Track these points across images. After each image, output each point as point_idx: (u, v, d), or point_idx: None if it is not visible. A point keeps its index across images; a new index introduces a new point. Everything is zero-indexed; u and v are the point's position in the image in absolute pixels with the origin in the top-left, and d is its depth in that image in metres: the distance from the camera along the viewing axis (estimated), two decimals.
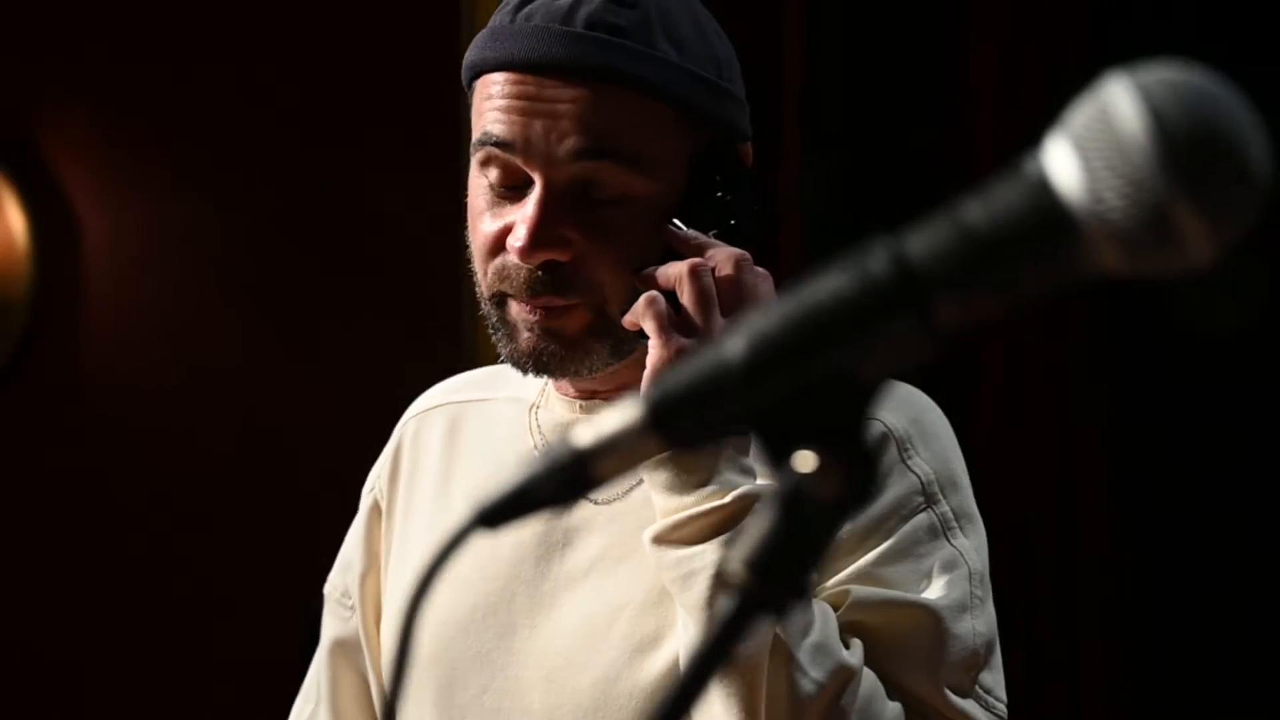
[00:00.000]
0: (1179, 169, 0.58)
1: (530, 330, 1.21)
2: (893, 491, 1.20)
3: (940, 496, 1.21)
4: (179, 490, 3.05)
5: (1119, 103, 0.59)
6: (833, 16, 3.11)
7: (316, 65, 3.14)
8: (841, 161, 3.08)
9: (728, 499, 1.13)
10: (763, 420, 0.66)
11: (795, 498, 0.65)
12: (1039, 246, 0.61)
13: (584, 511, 1.23)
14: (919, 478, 1.21)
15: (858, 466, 0.65)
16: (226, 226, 3.15)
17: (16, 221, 3.30)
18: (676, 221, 1.21)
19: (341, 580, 1.38)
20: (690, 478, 1.14)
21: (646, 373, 1.15)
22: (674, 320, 1.15)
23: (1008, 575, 2.11)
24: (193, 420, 3.06)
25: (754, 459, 1.16)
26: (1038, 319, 2.84)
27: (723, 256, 1.18)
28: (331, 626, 1.38)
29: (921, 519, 1.20)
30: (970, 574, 1.21)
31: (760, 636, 1.09)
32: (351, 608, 1.36)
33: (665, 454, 1.07)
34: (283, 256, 3.15)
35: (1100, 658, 2.87)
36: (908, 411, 1.24)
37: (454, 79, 1.31)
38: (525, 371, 1.23)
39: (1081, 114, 0.61)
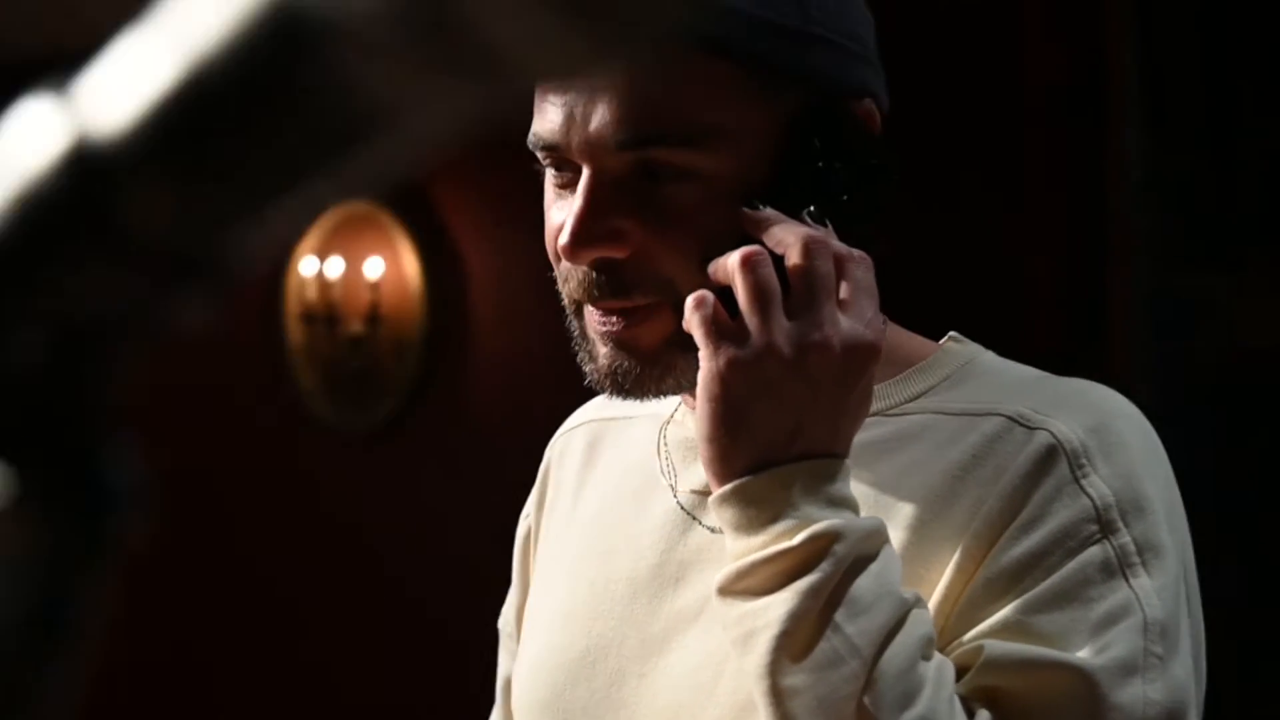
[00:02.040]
0: None
1: (606, 344, 1.01)
2: (1058, 519, 0.95)
3: (1120, 524, 0.95)
4: None
5: None
6: None
7: None
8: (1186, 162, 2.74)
9: (796, 540, 0.92)
10: None
11: None
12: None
13: (699, 540, 1.06)
14: (1093, 501, 0.95)
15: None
16: None
17: (411, 267, 3.53)
18: (759, 202, 0.99)
19: (507, 613, 1.27)
20: (760, 512, 0.93)
21: (698, 390, 0.95)
22: (727, 325, 0.94)
23: None
24: None
25: (845, 482, 0.95)
26: None
27: (791, 240, 0.95)
28: (504, 663, 1.26)
29: (1094, 553, 0.95)
30: (1146, 624, 0.94)
31: (841, 706, 0.90)
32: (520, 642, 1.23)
33: (731, 484, 0.93)
34: None
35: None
36: (1088, 417, 0.99)
37: None
38: (605, 393, 1.04)
39: None
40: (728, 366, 0.93)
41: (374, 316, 3.52)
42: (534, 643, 1.15)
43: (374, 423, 3.55)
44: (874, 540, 0.94)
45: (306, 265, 3.58)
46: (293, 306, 3.61)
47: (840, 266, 0.96)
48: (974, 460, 0.99)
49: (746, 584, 0.93)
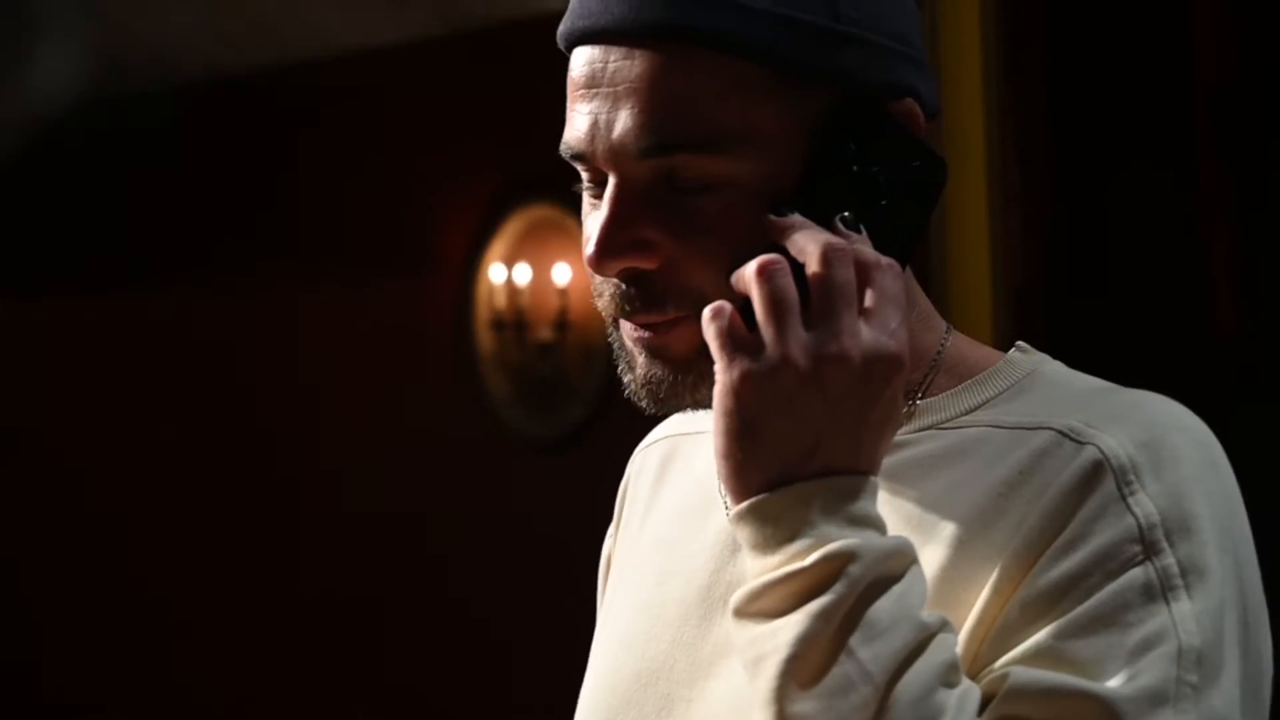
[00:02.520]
0: None
1: (641, 353, 0.98)
2: (1101, 538, 0.89)
3: (1164, 545, 0.89)
4: None
5: None
6: None
7: None
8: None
9: (809, 560, 0.87)
10: None
11: None
12: None
13: (746, 560, 1.00)
14: (1138, 520, 0.89)
15: None
16: None
17: None
18: (787, 208, 0.95)
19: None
20: (776, 531, 0.88)
21: (714, 405, 0.91)
22: (743, 337, 0.90)
23: None
24: None
25: (869, 500, 0.90)
26: None
27: (811, 248, 0.91)
28: None
29: (1135, 575, 0.88)
30: (1180, 652, 0.87)
31: None
32: None
33: (747, 502, 0.89)
34: None
35: None
36: (1141, 431, 0.93)
37: None
38: (643, 407, 1.01)
39: None
40: (741, 380, 0.89)
41: (562, 323, 3.53)
42: (594, 667, 1.12)
43: (563, 429, 3.55)
44: (896, 561, 0.88)
45: (495, 272, 3.60)
46: (482, 313, 3.64)
47: (865, 274, 0.91)
48: (1020, 477, 0.94)
49: (759, 606, 0.89)
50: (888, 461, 0.97)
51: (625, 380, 1.00)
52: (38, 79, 4.71)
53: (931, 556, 0.94)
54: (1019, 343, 1.05)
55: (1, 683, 4.89)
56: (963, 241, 2.95)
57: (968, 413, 1.00)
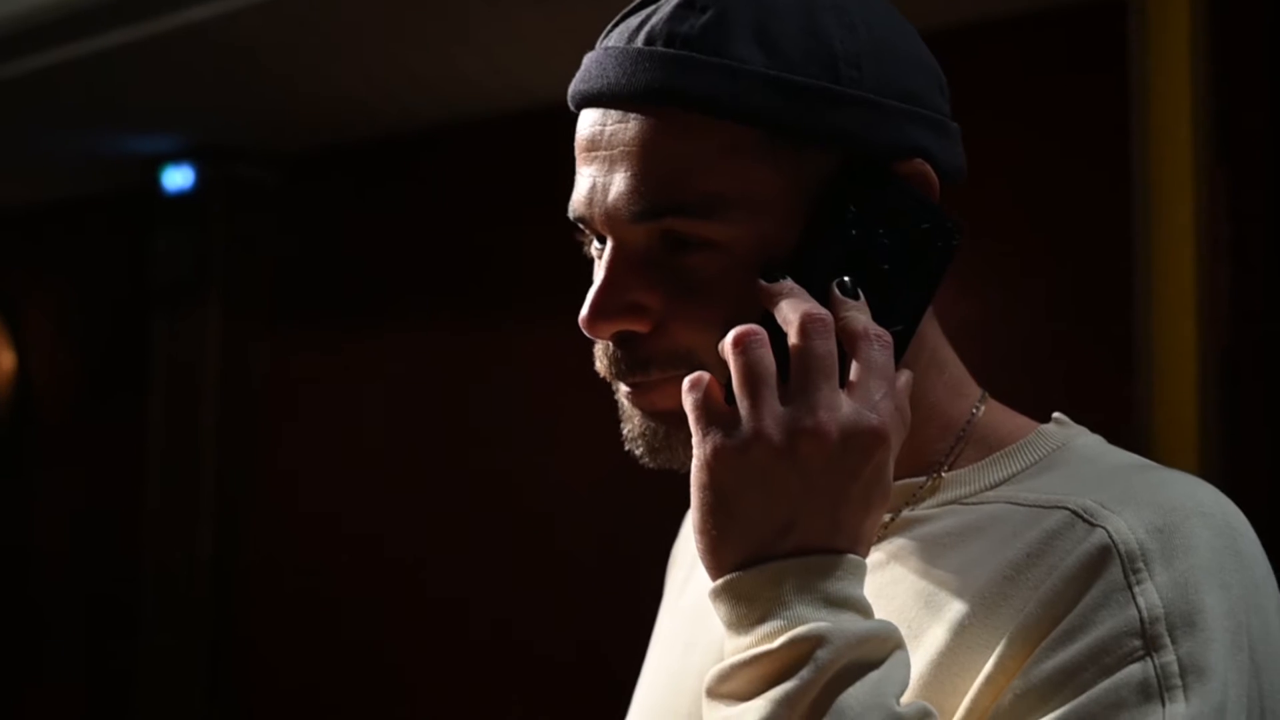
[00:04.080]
0: None
1: (635, 411, 0.98)
2: (1100, 630, 0.84)
3: (1166, 640, 0.83)
4: None
5: None
6: None
7: None
8: None
9: (777, 643, 0.83)
10: None
11: None
12: None
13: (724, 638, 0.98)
14: (1140, 612, 0.84)
15: None
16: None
17: None
18: (781, 272, 0.92)
19: None
20: (749, 610, 0.85)
21: (691, 479, 0.89)
22: (719, 409, 0.87)
23: None
24: None
25: (848, 580, 0.85)
26: None
27: (792, 318, 0.88)
28: None
29: (1133, 671, 0.83)
30: None
31: None
32: None
33: (721, 580, 0.86)
34: None
35: None
36: (1157, 514, 0.87)
37: None
38: (642, 460, 1.00)
39: None
40: (714, 454, 0.86)
41: None
42: None
43: None
44: (873, 646, 0.84)
45: None
46: None
47: (852, 345, 0.88)
48: (1028, 559, 0.89)
49: (728, 688, 0.86)
50: (906, 537, 0.95)
51: (624, 433, 1.00)
52: (286, 128, 4.92)
53: (933, 639, 0.90)
54: (1056, 414, 1.01)
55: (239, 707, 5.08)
56: (1168, 301, 2.85)
57: (991, 488, 0.96)
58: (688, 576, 1.15)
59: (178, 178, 5.30)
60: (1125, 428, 2.84)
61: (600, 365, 0.99)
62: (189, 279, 5.30)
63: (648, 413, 0.97)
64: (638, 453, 0.99)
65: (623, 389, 0.98)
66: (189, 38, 4.00)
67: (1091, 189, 3.26)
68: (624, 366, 0.96)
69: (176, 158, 5.28)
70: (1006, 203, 3.36)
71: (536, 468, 4.37)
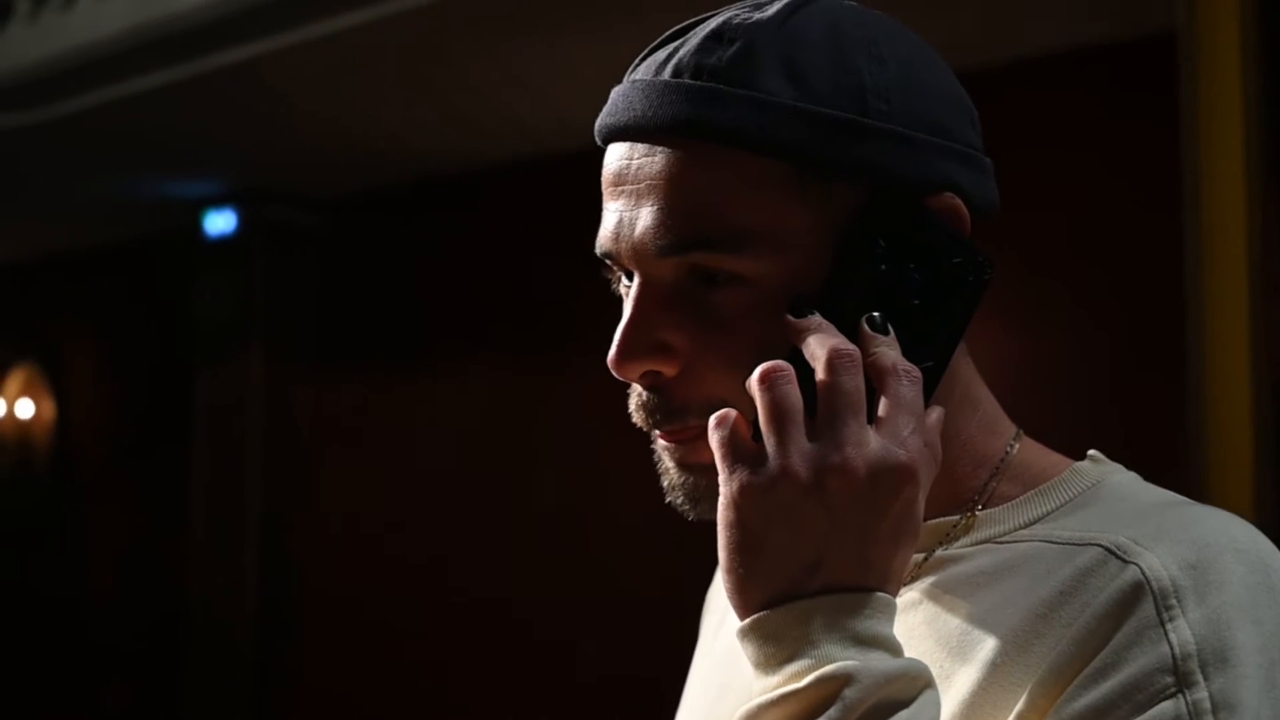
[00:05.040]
0: None
1: (672, 462, 0.96)
2: (1132, 667, 0.83)
3: (1198, 677, 0.82)
4: None
5: None
6: None
7: None
8: None
9: (804, 682, 0.81)
10: None
11: None
12: None
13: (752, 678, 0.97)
14: (1173, 649, 0.82)
15: None
16: None
17: None
18: (810, 308, 0.91)
19: None
20: (777, 650, 0.84)
21: (718, 517, 0.87)
22: (745, 447, 0.86)
23: None
24: None
25: (878, 619, 0.84)
26: None
27: (819, 353, 0.86)
28: None
29: (1165, 709, 0.81)
30: None
31: None
32: None
33: (749, 619, 0.85)
34: None
35: None
36: (1191, 550, 0.86)
37: None
38: (682, 512, 0.98)
39: None
40: (740, 492, 0.84)
41: None
42: None
43: None
44: (902, 685, 0.82)
45: None
46: None
47: (881, 381, 0.87)
48: (1061, 597, 0.88)
49: None
50: (940, 576, 0.94)
51: (664, 485, 0.98)
52: (328, 171, 4.94)
53: (965, 679, 0.89)
54: (1091, 452, 1.00)
55: None
56: (1221, 331, 2.85)
57: (1025, 526, 0.95)
58: (721, 620, 1.14)
59: (219, 222, 5.34)
60: (1180, 461, 2.82)
61: (636, 417, 0.97)
62: (231, 323, 5.32)
63: (687, 467, 0.95)
64: (678, 503, 0.97)
65: (660, 441, 0.97)
66: (230, 81, 4.03)
67: (1144, 221, 3.26)
68: (659, 416, 0.95)
69: (218, 202, 5.32)
70: (1061, 238, 3.36)
71: (589, 504, 4.36)
